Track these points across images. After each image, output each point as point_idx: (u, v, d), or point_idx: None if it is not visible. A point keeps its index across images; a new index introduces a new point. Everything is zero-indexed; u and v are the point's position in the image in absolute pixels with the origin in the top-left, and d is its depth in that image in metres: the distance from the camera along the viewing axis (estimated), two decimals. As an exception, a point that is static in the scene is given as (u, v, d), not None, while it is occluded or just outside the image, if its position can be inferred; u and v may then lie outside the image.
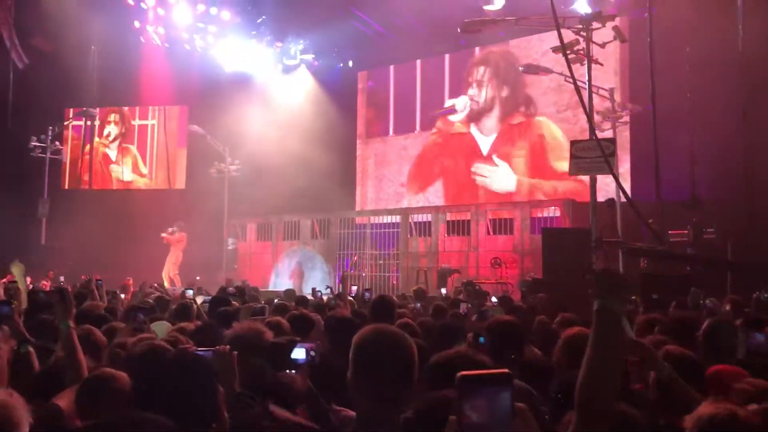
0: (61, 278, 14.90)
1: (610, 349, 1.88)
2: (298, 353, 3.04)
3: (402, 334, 2.36)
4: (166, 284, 18.77)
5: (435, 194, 21.90)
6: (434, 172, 22.04)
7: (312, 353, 3.00)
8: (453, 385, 1.98)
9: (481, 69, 21.39)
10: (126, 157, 26.04)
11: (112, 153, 26.04)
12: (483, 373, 1.39)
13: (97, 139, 25.79)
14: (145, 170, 25.94)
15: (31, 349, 3.59)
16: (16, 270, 7.79)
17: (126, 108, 25.87)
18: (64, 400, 2.97)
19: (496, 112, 21.02)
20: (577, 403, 1.87)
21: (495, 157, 20.89)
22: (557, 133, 19.46)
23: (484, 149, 21.10)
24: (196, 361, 2.13)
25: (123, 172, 25.93)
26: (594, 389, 1.85)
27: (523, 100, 20.50)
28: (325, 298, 9.56)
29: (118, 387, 2.87)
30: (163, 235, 21.66)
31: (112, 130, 26.05)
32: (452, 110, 21.74)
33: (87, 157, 25.37)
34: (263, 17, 21.73)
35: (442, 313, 6.70)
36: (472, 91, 21.52)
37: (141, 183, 25.92)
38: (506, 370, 1.38)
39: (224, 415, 2.08)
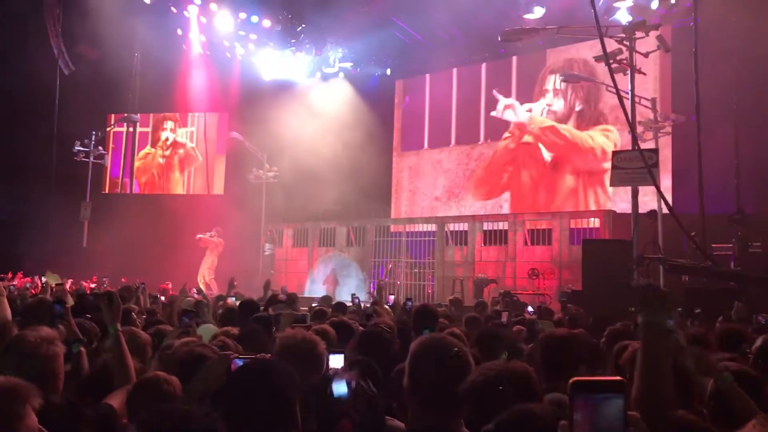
0: (105, 280, 15.20)
1: (659, 361, 1.96)
2: (339, 388, 2.96)
3: (458, 344, 2.37)
4: (202, 288, 18.98)
5: (498, 204, 21.29)
6: (502, 182, 21.29)
7: (352, 383, 2.91)
8: (492, 401, 1.98)
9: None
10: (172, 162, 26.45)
11: (161, 160, 26.40)
12: (596, 379, 1.37)
13: (149, 148, 26.25)
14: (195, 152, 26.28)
15: (82, 349, 3.65)
16: (51, 279, 7.96)
17: (177, 115, 26.22)
18: (114, 401, 3.01)
19: (570, 126, 20.03)
20: (638, 409, 1.90)
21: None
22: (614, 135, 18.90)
23: (547, 157, 20.37)
24: (280, 370, 2.12)
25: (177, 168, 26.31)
26: (649, 401, 1.91)
27: (595, 115, 19.56)
28: (362, 305, 9.56)
29: (170, 390, 2.90)
30: (200, 236, 21.94)
31: (169, 136, 26.43)
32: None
33: (140, 162, 25.91)
34: (303, 25, 21.94)
35: (476, 324, 6.60)
36: (548, 100, 20.55)
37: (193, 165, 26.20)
38: (620, 378, 1.36)
39: (299, 425, 2.06)
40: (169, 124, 26.26)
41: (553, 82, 20.29)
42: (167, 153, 26.16)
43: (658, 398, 1.93)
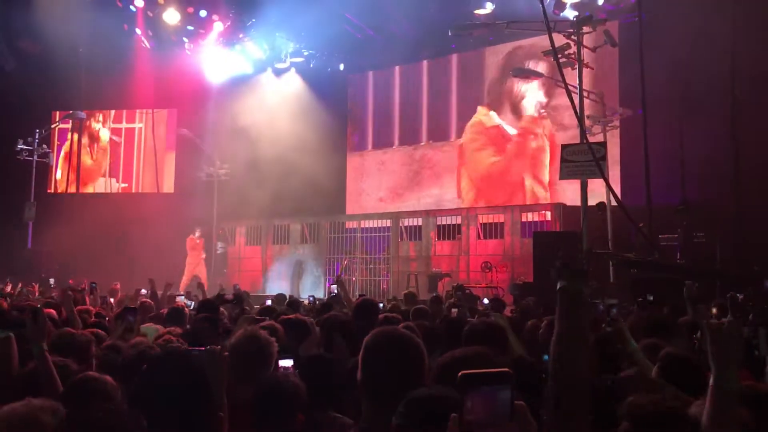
0: (51, 280, 14.81)
1: (575, 323, 2.00)
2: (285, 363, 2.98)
3: (412, 336, 2.37)
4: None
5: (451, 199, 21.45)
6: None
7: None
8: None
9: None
10: (104, 161, 25.74)
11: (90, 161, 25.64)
12: (484, 371, 1.42)
13: (83, 140, 25.51)
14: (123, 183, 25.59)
15: (11, 334, 3.48)
16: None
17: (113, 111, 25.59)
18: None
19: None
20: (552, 376, 1.98)
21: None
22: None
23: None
24: (185, 358, 2.07)
25: (105, 183, 25.64)
26: (564, 362, 1.95)
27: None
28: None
29: (103, 390, 2.82)
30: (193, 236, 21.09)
31: (102, 133, 25.75)
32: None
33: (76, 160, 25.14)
34: (253, 20, 21.66)
35: (424, 316, 6.62)
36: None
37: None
38: (507, 369, 1.42)
39: (219, 418, 2.01)
40: (100, 117, 25.57)
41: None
42: (95, 152, 25.50)
43: (573, 361, 1.96)
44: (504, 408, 1.37)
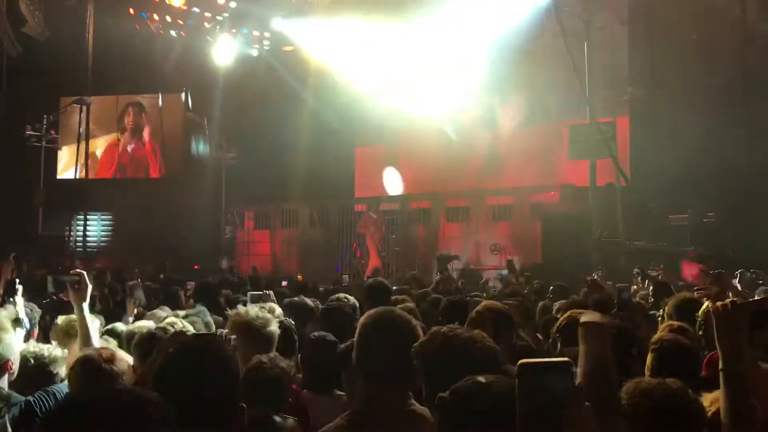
0: (78, 263, 14.96)
1: (600, 358, 1.97)
2: None
3: (407, 316, 2.39)
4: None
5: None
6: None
7: None
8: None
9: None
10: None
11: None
12: (543, 361, 1.46)
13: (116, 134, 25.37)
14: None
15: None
16: None
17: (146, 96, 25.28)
18: None
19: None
20: None
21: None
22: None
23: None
24: (213, 345, 2.03)
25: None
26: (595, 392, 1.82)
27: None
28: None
29: (108, 369, 2.84)
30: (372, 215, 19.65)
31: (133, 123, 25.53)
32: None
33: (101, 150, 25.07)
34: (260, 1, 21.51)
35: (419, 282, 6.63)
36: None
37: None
38: (566, 359, 1.43)
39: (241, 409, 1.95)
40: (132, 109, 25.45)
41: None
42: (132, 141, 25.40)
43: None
44: (563, 397, 1.39)
